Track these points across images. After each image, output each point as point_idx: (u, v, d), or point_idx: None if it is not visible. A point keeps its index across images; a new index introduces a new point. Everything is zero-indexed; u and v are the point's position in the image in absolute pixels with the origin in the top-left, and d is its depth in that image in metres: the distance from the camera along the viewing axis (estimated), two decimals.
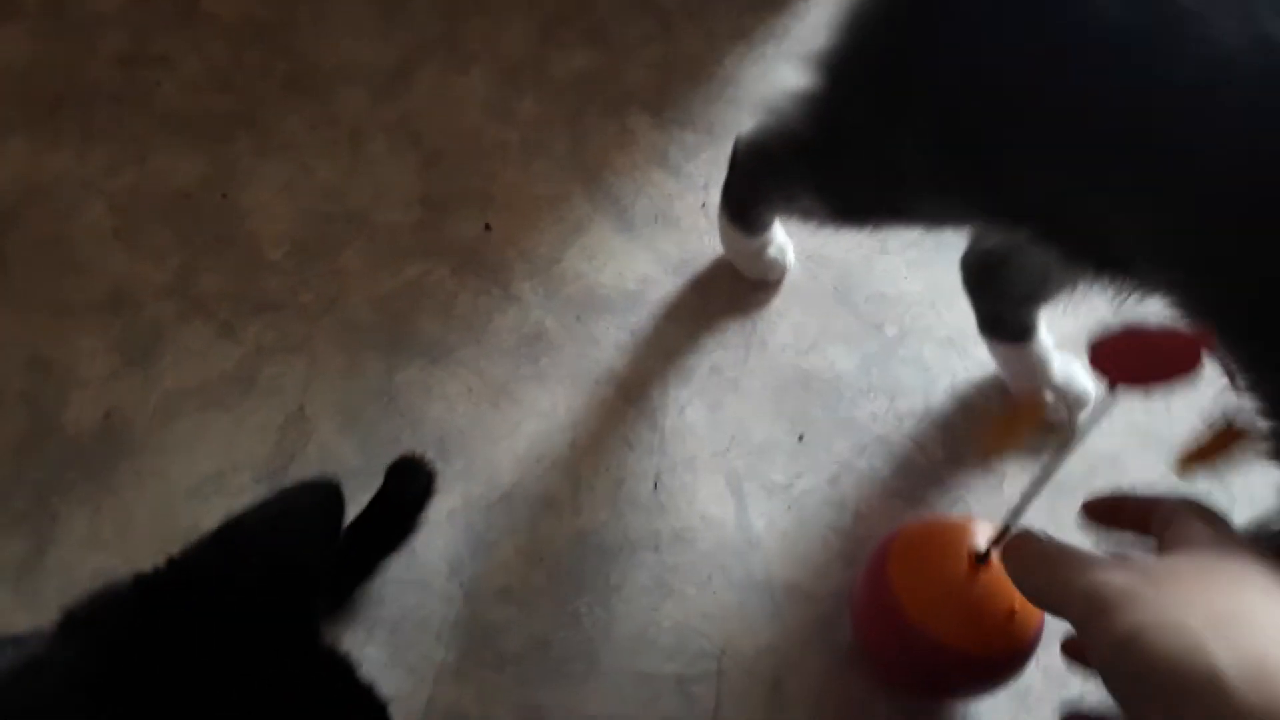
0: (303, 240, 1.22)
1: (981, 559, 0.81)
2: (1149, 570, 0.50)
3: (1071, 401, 1.06)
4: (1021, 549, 0.56)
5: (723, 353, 1.15)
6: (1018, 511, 0.74)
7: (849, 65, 0.80)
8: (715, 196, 1.19)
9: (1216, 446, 0.67)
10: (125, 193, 1.26)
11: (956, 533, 0.85)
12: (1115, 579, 0.49)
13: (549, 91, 1.35)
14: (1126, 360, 0.63)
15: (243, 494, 1.04)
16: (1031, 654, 0.84)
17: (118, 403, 1.11)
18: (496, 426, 1.10)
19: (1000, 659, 0.83)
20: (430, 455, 1.06)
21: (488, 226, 1.24)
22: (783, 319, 1.19)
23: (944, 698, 0.92)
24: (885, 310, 1.19)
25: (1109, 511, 0.66)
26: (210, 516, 1.00)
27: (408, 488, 0.97)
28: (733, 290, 1.19)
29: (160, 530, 1.03)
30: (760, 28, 1.44)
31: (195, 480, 1.07)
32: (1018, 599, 0.79)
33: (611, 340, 1.16)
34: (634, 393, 1.12)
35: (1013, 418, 0.78)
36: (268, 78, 1.35)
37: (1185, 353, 0.61)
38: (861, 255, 1.23)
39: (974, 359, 1.15)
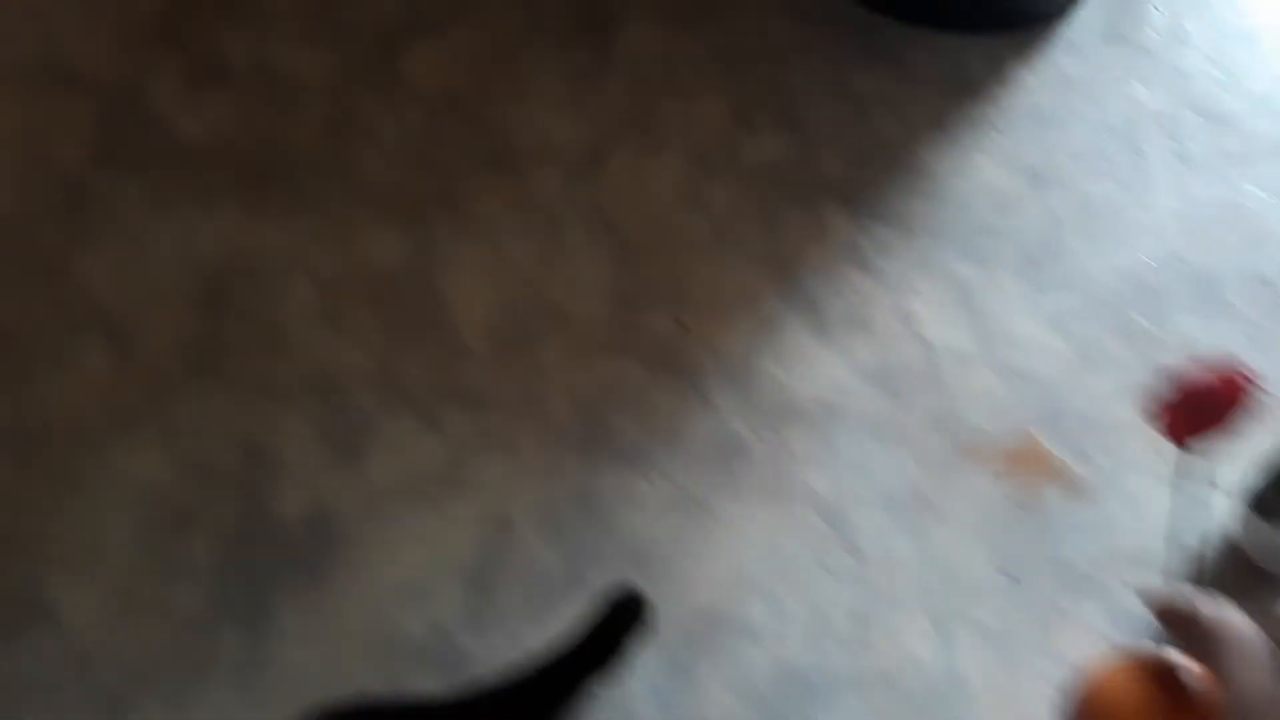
0: (501, 330, 1.23)
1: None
2: None
3: None
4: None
5: (925, 474, 1.14)
6: None
7: None
8: (911, 301, 1.18)
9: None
10: (330, 271, 1.28)
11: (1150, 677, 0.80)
12: None
13: (741, 178, 1.34)
14: (1185, 415, 0.69)
15: (450, 599, 1.07)
16: None
17: (327, 496, 1.13)
18: (694, 542, 1.11)
19: None
20: (628, 570, 1.06)
21: (681, 324, 1.24)
22: (986, 439, 1.16)
23: None
24: (1093, 439, 1.16)
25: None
26: (417, 620, 1.03)
27: (622, 620, 0.98)
28: (932, 405, 1.17)
29: (369, 631, 1.05)
30: (957, 115, 1.40)
31: (402, 581, 1.09)
32: None
33: (808, 454, 1.15)
34: (833, 514, 1.12)
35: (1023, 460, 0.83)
36: (466, 154, 1.36)
37: (1232, 389, 0.67)
38: (1065, 371, 1.20)
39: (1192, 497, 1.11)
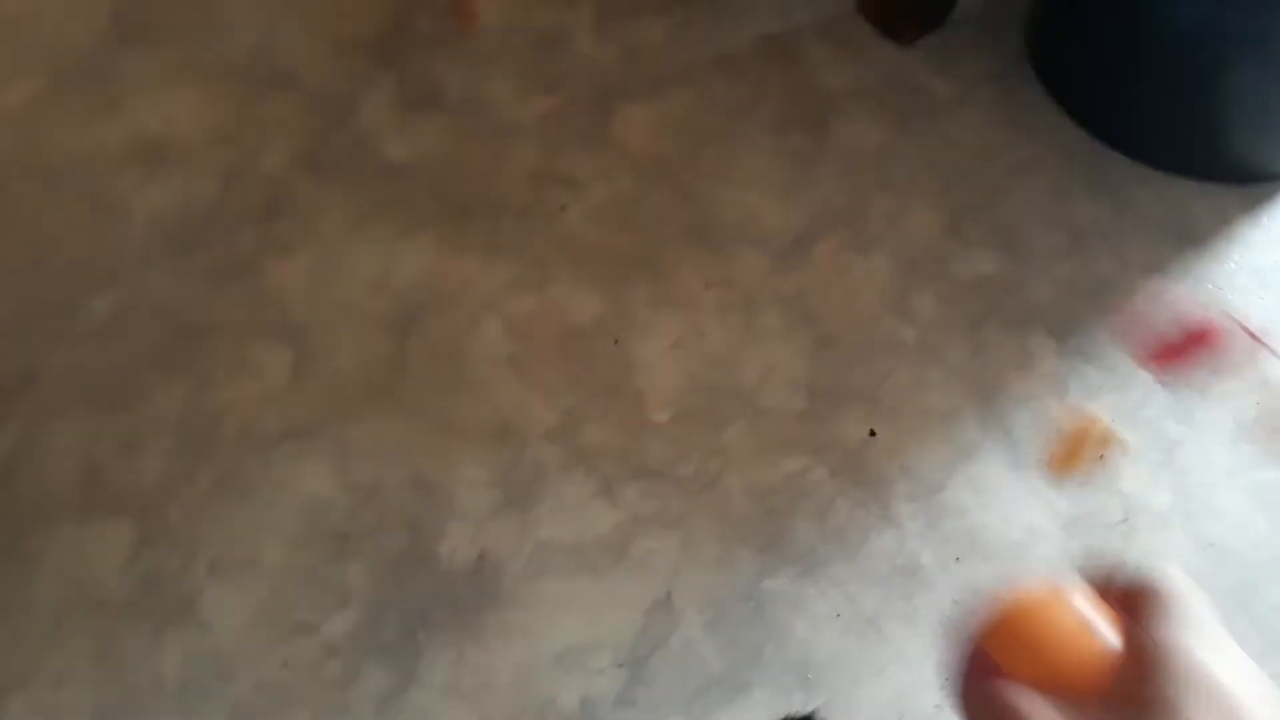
0: (688, 408, 1.19)
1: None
2: None
3: None
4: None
5: None
6: None
7: None
8: (1115, 448, 1.11)
9: (1078, 445, 0.75)
10: (523, 318, 1.26)
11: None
12: None
13: (950, 291, 1.29)
14: (1168, 350, 0.74)
15: (605, 677, 1.02)
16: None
17: (492, 544, 1.10)
18: (861, 663, 1.05)
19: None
20: (789, 678, 1.01)
21: (873, 432, 1.19)
22: None
23: None
24: None
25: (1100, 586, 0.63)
26: (570, 693, 0.99)
27: None
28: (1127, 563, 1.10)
29: (519, 695, 1.02)
30: (1175, 261, 1.34)
31: (558, 648, 1.05)
32: None
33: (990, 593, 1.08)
34: None
35: (1075, 438, 0.80)
36: (669, 222, 1.34)
37: (1211, 334, 0.71)
38: (1270, 556, 1.12)
39: None
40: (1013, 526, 1.14)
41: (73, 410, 1.17)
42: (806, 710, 0.95)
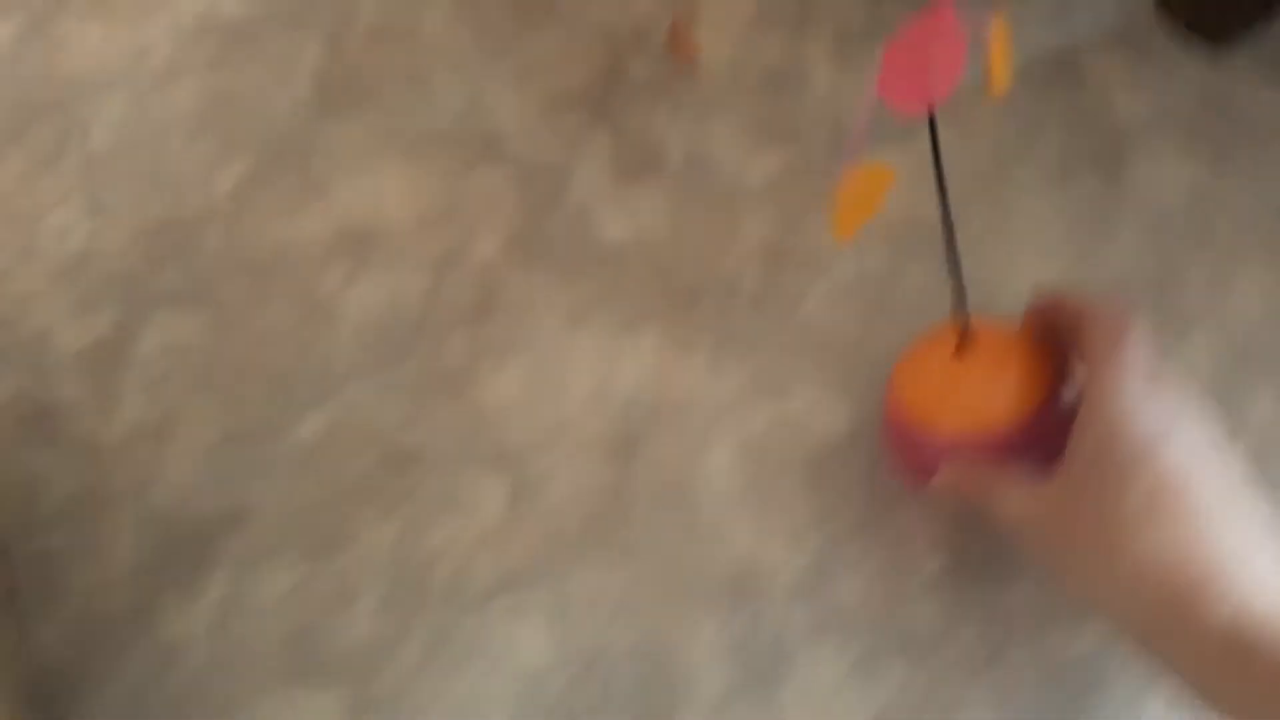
0: (968, 550, 0.97)
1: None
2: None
3: None
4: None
5: None
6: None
7: None
8: None
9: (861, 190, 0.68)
10: (760, 434, 1.07)
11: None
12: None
13: None
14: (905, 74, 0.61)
15: None
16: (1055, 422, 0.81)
17: None
18: None
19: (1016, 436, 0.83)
20: None
21: None
22: None
23: None
24: None
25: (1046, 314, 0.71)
26: None
27: None
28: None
29: None
30: None
31: None
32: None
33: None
34: None
35: (857, 186, 0.69)
36: (933, 303, 1.11)
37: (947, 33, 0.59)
38: None
39: None
40: None
41: (283, 554, 1.08)
42: None
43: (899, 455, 1.00)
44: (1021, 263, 1.14)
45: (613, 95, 1.31)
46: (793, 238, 1.20)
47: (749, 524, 1.04)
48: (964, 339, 0.90)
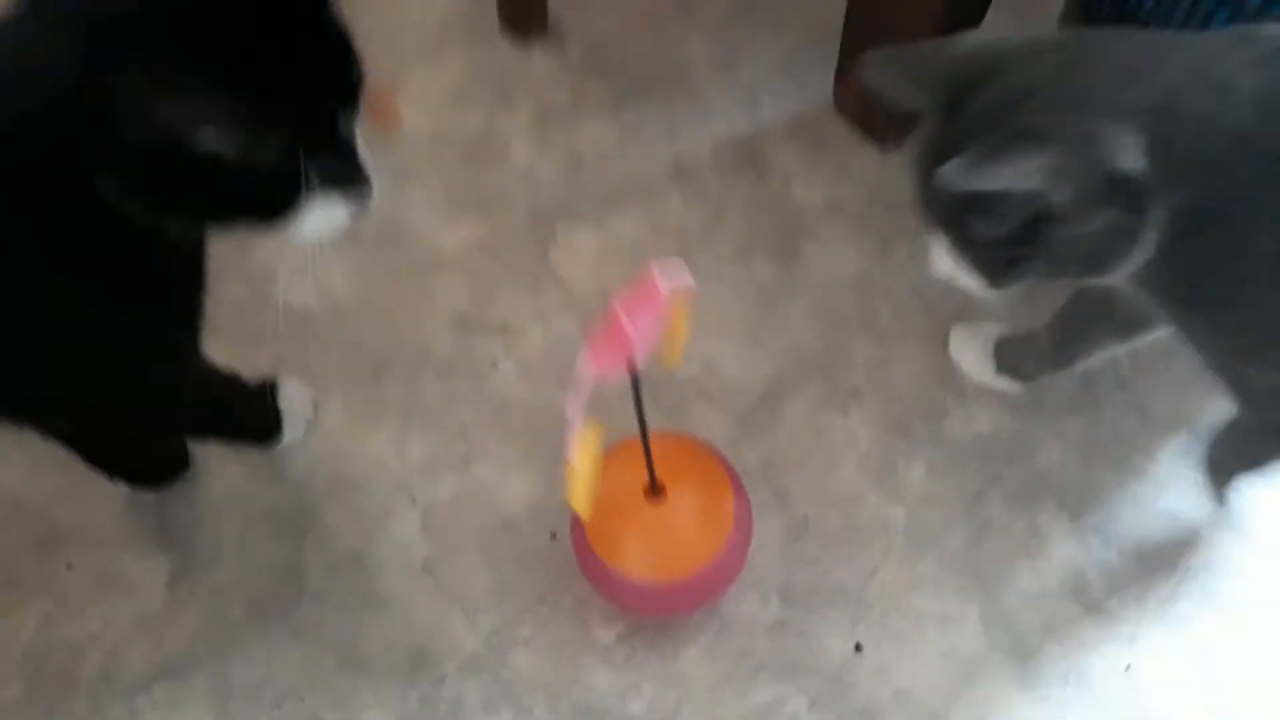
0: (640, 623, 0.99)
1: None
2: None
3: None
4: None
5: None
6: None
7: None
8: (1139, 657, 0.98)
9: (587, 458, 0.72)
10: (442, 507, 1.06)
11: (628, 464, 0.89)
12: None
13: (945, 458, 1.10)
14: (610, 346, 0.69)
15: None
16: (728, 569, 0.94)
17: None
18: None
19: (694, 581, 0.92)
20: None
21: (858, 646, 0.99)
22: None
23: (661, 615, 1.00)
24: None
25: None
26: None
27: None
28: None
29: None
30: (1204, 417, 1.14)
31: None
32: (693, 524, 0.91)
33: None
34: None
35: (583, 457, 0.74)
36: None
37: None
38: None
39: None
40: None
41: None
42: None
43: (588, 572, 0.99)
44: (704, 344, 1.19)
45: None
46: (484, 308, 1.20)
47: (428, 600, 1.01)
48: (654, 492, 0.93)
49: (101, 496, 1.04)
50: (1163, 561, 1.06)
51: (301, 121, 0.59)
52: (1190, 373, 1.14)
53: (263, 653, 0.98)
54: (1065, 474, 1.11)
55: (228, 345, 1.06)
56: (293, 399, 1.04)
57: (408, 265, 1.22)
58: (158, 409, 0.87)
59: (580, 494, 0.75)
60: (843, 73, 1.33)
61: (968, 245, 0.76)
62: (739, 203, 1.28)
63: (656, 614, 1.00)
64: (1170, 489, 1.09)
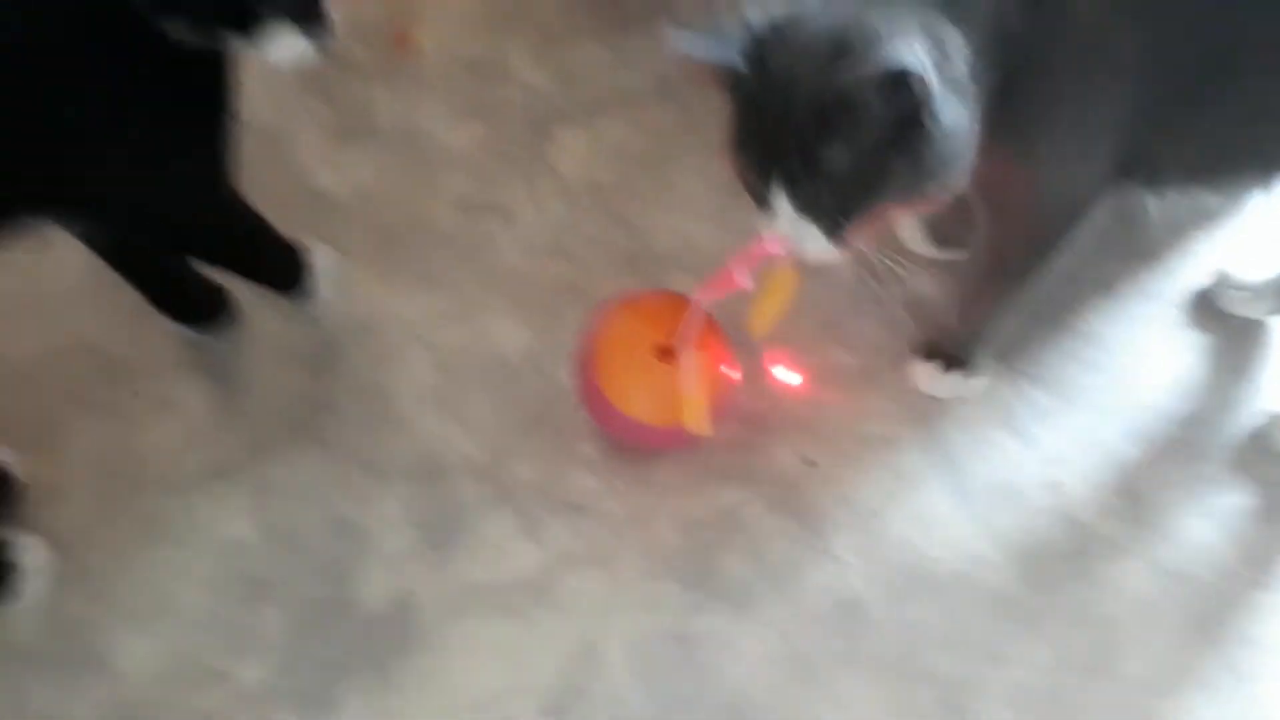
0: (607, 443, 1.14)
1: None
2: None
3: None
4: None
5: (1065, 674, 1.02)
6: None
7: None
8: (1064, 475, 1.10)
9: (777, 295, 0.91)
10: (450, 350, 1.22)
11: (653, 321, 1.06)
12: None
13: (891, 308, 1.24)
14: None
15: None
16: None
17: (412, 586, 1.06)
18: (796, 709, 1.00)
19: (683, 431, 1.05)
20: None
21: (809, 461, 1.14)
22: (1136, 645, 1.04)
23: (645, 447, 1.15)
24: (1259, 661, 1.03)
25: None
26: None
27: None
28: (1080, 595, 1.06)
29: None
30: (1126, 279, 1.30)
31: (477, 695, 1.01)
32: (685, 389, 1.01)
33: (934, 630, 1.04)
34: (952, 702, 1.00)
35: (770, 291, 0.92)
36: (603, 250, 1.31)
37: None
38: (1231, 582, 1.08)
39: None
40: (957, 556, 1.10)
41: None
42: None
43: (587, 404, 1.13)
44: (680, 223, 1.35)
45: (332, 72, 1.46)
46: (486, 193, 1.38)
47: (437, 422, 1.17)
48: (671, 352, 1.06)
49: (163, 339, 1.20)
50: (1091, 401, 1.20)
51: None
52: (1121, 246, 1.29)
53: (296, 461, 1.14)
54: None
55: None
56: (325, 261, 1.21)
57: (419, 158, 1.39)
58: (193, 220, 1.03)
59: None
60: None
61: (815, 188, 0.79)
62: (715, 112, 1.45)
63: (649, 447, 1.15)
64: (1104, 346, 1.24)
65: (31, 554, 1.05)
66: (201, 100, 0.91)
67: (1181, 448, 1.16)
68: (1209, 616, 1.06)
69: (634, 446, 1.15)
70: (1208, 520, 1.11)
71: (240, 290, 1.22)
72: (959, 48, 0.77)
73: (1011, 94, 0.81)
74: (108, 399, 1.16)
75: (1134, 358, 1.23)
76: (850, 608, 1.06)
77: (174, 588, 1.06)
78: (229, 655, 1.04)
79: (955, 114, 0.76)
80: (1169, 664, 1.03)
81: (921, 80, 0.72)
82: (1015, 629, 1.04)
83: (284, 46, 0.87)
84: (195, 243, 1.06)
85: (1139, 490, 1.13)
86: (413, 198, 1.35)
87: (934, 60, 0.75)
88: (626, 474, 1.13)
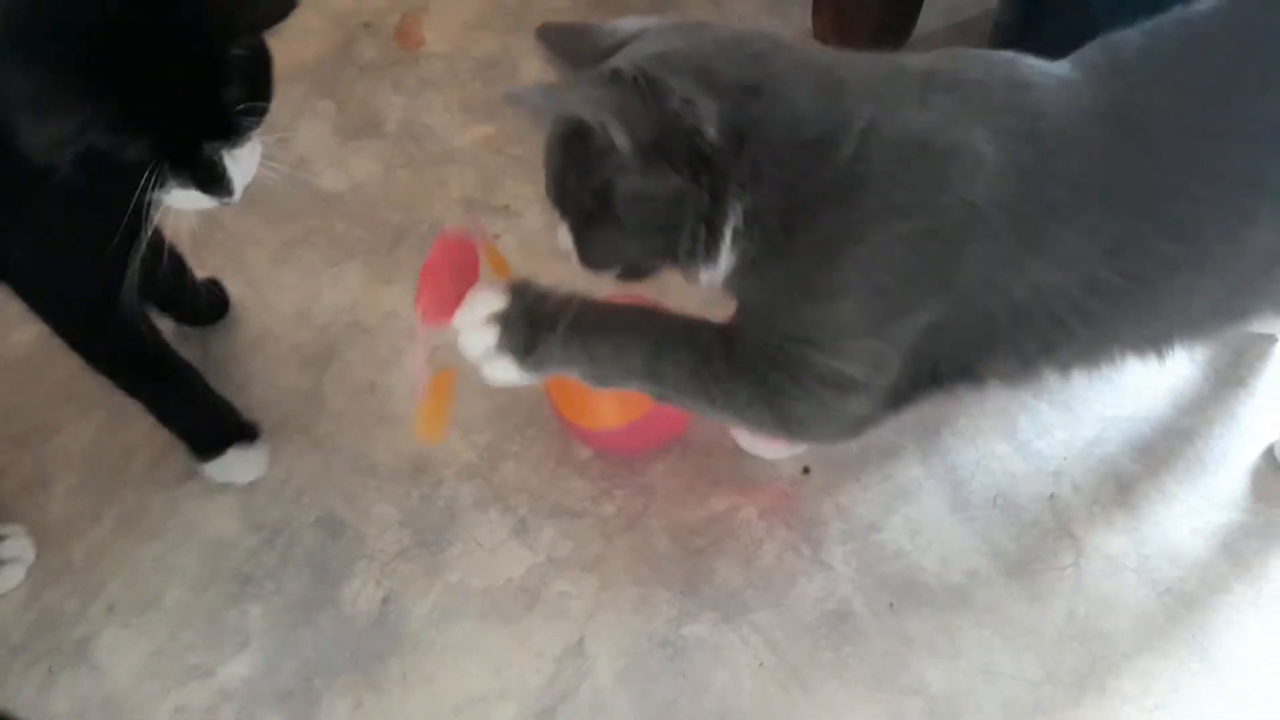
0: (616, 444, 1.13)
1: None
2: None
3: None
4: None
5: (1056, 688, 1.00)
6: None
7: None
8: (1063, 489, 1.08)
9: (439, 395, 0.87)
10: (447, 349, 1.20)
11: None
12: None
13: None
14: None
15: None
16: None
17: (399, 587, 1.05)
18: (784, 718, 0.98)
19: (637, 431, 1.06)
20: None
21: (806, 469, 1.13)
22: (1128, 661, 1.02)
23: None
24: (1256, 676, 1.00)
25: None
26: None
27: None
28: (1072, 612, 1.03)
29: None
30: None
31: (461, 698, 1.00)
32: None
33: (926, 642, 1.02)
34: (945, 716, 0.98)
35: (434, 395, 0.89)
36: None
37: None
38: (1229, 602, 1.06)
39: None
40: (952, 569, 1.08)
41: None
42: None
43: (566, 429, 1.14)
44: None
45: (340, 71, 1.46)
46: (490, 193, 1.37)
47: None
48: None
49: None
50: (1093, 413, 1.18)
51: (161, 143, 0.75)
52: None
53: (287, 458, 1.13)
54: None
55: (261, 221, 1.24)
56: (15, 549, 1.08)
57: (424, 158, 1.38)
58: (97, 329, 0.99)
59: (430, 422, 0.91)
60: (819, 7, 1.49)
61: (567, 210, 0.79)
62: None
63: (631, 450, 1.14)
64: None
65: (13, 545, 1.03)
66: (103, 209, 0.84)
67: (1182, 462, 1.14)
68: (1204, 634, 1.03)
69: (614, 452, 1.15)
70: (1206, 537, 1.09)
71: (233, 286, 1.21)
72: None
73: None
74: (95, 393, 1.15)
75: (1136, 370, 1.20)
76: (841, 618, 1.04)
77: (158, 583, 1.06)
78: (213, 652, 1.03)
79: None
80: (1161, 681, 1.01)
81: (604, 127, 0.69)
82: (1007, 643, 1.02)
83: (184, 200, 0.83)
84: (83, 350, 1.01)
85: (1137, 504, 1.10)
86: (417, 196, 1.35)
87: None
88: (619, 478, 1.12)
